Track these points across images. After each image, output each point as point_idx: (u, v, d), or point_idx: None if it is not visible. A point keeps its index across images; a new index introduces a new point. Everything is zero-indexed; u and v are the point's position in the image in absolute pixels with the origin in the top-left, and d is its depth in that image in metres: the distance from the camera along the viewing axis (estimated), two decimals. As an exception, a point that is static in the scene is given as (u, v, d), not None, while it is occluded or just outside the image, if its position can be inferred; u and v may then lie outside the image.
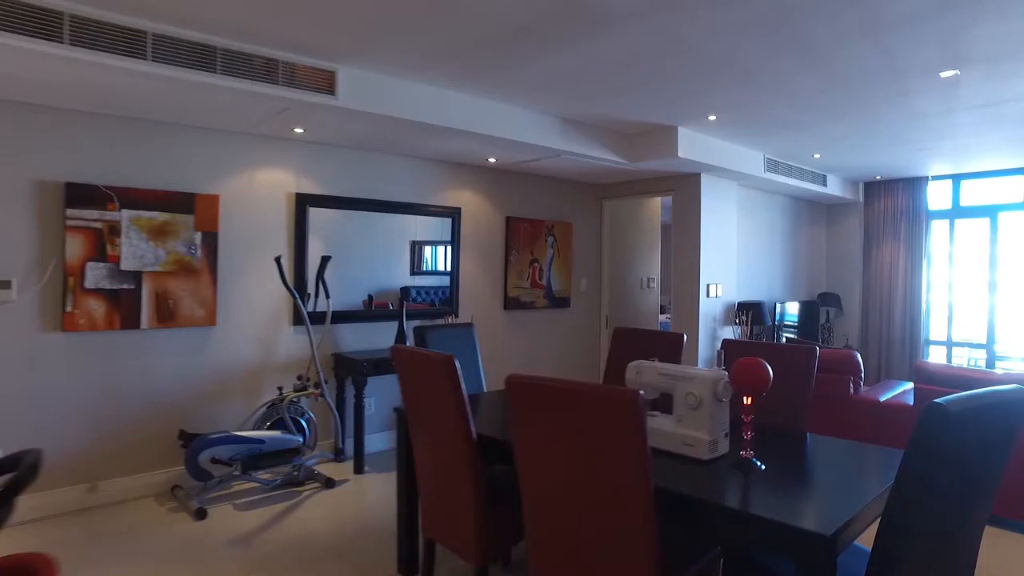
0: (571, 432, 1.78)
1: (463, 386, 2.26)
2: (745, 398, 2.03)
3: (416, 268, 5.11)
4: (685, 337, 3.12)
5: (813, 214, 7.88)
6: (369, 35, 3.11)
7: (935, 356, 7.42)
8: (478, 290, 5.53)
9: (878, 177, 7.29)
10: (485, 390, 3.66)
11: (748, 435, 2.03)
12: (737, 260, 6.45)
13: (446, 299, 5.28)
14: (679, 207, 5.84)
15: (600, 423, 1.71)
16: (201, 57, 3.10)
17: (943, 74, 3.54)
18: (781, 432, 2.55)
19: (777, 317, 6.49)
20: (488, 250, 5.60)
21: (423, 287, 5.16)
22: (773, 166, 6.00)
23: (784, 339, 6.46)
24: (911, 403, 3.80)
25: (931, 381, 3.72)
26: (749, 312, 5.92)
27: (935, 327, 7.36)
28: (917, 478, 1.44)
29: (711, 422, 2.10)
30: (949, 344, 7.19)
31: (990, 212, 6.84)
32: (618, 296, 6.70)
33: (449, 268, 5.31)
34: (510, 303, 5.70)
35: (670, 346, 3.14)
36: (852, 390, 4.06)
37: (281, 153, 4.44)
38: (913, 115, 4.47)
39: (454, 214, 5.32)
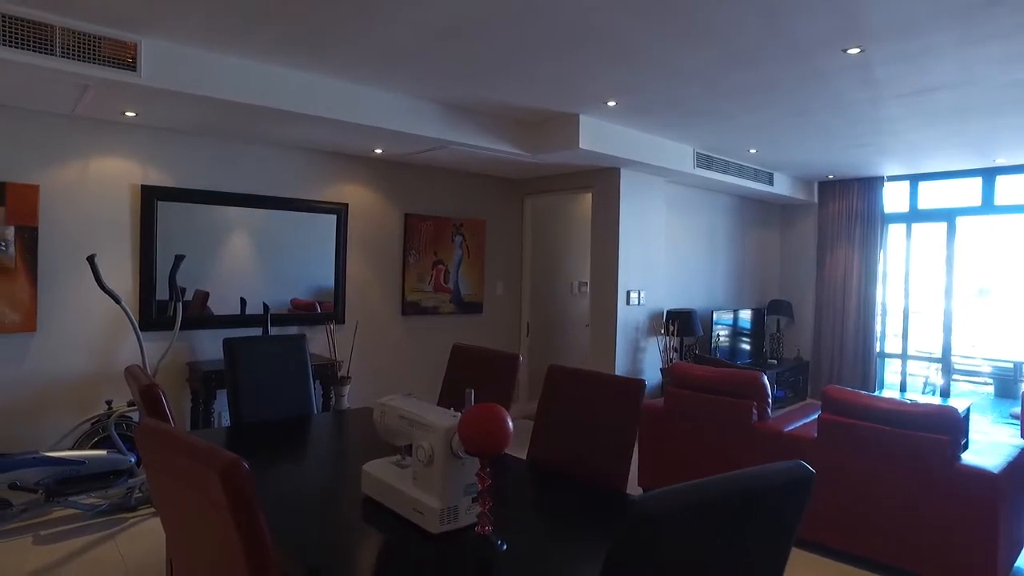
0: (181, 495, 1.27)
1: (260, 518, 1.67)
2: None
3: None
4: (521, 359, 2.60)
5: (764, 215, 7.35)
6: (139, -10, 2.59)
7: (890, 371, 6.90)
8: (369, 294, 5.00)
9: (831, 176, 6.77)
10: (316, 411, 3.14)
11: (485, 505, 1.51)
12: (667, 264, 5.92)
13: (329, 304, 4.76)
14: (597, 205, 5.31)
15: (195, 490, 1.19)
16: (-66, 15, 2.58)
17: (848, 50, 3.02)
18: (590, 489, 2.03)
19: (714, 327, 5.97)
20: (382, 250, 5.07)
21: (304, 289, 4.64)
22: (705, 162, 5.47)
23: (716, 354, 5.94)
24: (815, 434, 3.28)
25: (837, 410, 3.20)
26: (676, 322, 5.40)
27: (890, 338, 6.84)
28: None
29: (444, 484, 1.58)
30: (904, 357, 6.67)
31: (947, 216, 6.32)
32: (542, 301, 6.18)
33: (334, 270, 4.78)
34: (409, 308, 5.18)
35: (501, 371, 2.62)
36: (755, 417, 3.53)
37: (121, 140, 3.91)
38: (838, 103, 3.95)
39: (339, 210, 4.79)
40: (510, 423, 1.49)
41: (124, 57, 3.00)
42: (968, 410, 4.82)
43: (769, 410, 3.61)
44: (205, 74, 3.24)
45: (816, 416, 3.78)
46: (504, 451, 1.49)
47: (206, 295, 4.31)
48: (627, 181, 5.18)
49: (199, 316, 4.20)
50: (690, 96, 3.85)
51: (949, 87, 3.54)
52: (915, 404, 2.97)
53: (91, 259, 3.45)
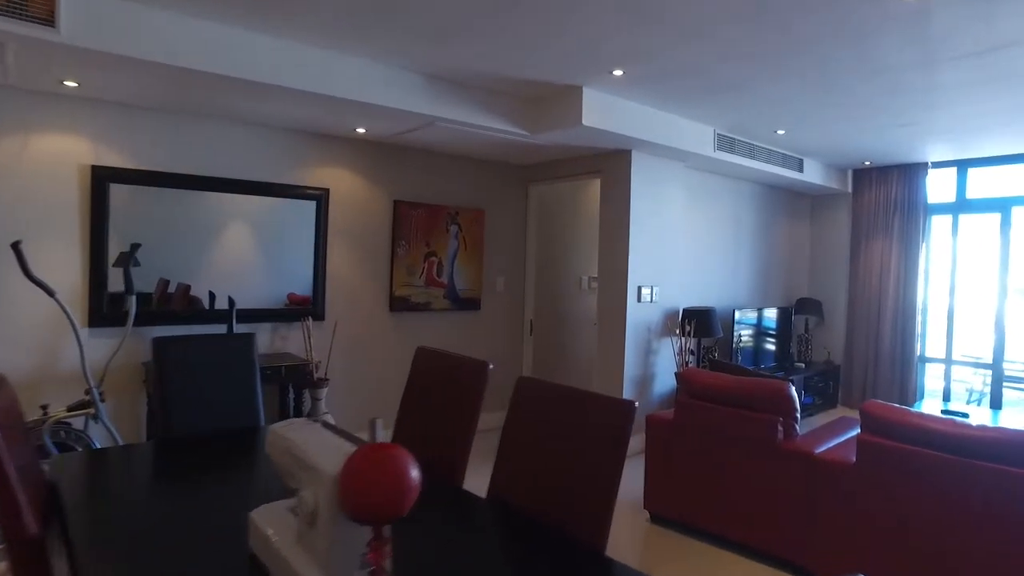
0: None
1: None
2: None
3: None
4: (491, 367, 2.12)
5: (793, 206, 6.75)
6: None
7: (931, 377, 6.27)
8: (353, 289, 4.56)
9: (867, 163, 6.15)
10: (264, 424, 2.69)
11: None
12: (685, 258, 5.38)
13: (307, 298, 4.33)
14: (606, 191, 4.79)
15: None
16: None
17: (900, -6, 2.47)
18: (559, 543, 1.54)
19: (736, 327, 5.41)
20: (368, 241, 4.62)
21: (281, 284, 4.21)
22: (727, 144, 4.92)
23: (738, 356, 5.39)
24: (854, 459, 2.74)
25: (879, 430, 2.66)
26: (693, 321, 4.86)
27: (932, 341, 6.20)
28: None
29: (329, 554, 1.11)
30: (948, 362, 6.03)
31: (1002, 206, 5.67)
32: (548, 298, 5.69)
33: (312, 261, 4.35)
34: (397, 304, 4.72)
35: (468, 383, 2.13)
36: (781, 435, 3.00)
37: (65, 114, 3.50)
38: (879, 71, 3.39)
39: (320, 196, 4.35)
40: (414, 475, 1.00)
41: (39, 10, 2.58)
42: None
43: (797, 427, 3.07)
44: (142, 33, 2.80)
45: (853, 434, 3.24)
46: (403, 514, 1.01)
47: (187, 288, 3.92)
48: (640, 165, 4.65)
49: (165, 311, 3.79)
50: (708, 64, 3.32)
51: (1021, 43, 2.96)
52: (984, 428, 2.41)
53: (15, 245, 3.04)
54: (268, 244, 4.15)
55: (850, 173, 6.53)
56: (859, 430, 2.82)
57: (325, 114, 3.78)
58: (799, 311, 6.51)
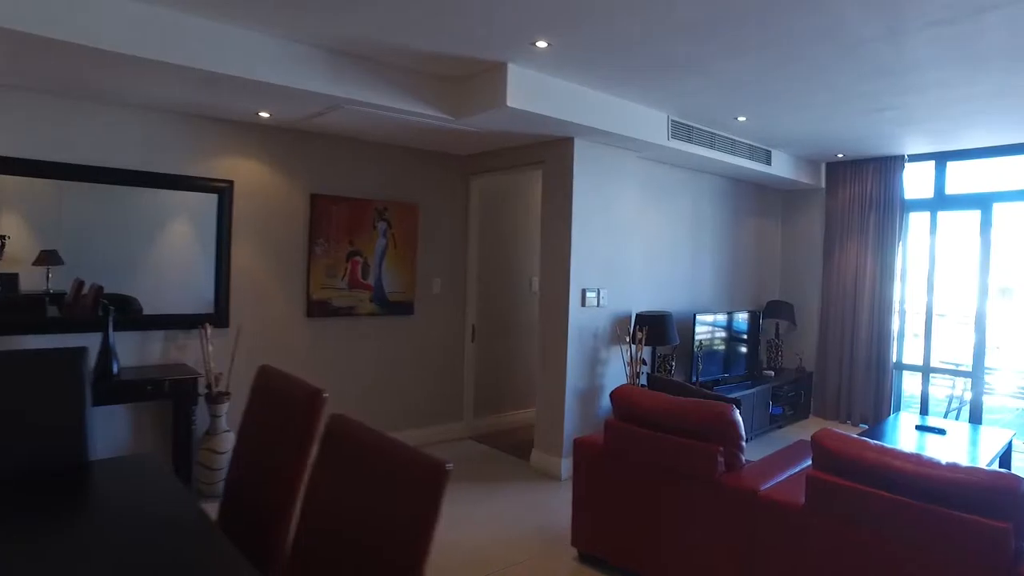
0: None
1: None
2: None
3: (160, 261, 3.68)
4: (326, 396, 1.65)
5: (763, 202, 6.32)
6: None
7: (910, 383, 5.87)
8: (263, 292, 4.07)
9: (840, 156, 5.73)
10: (91, 458, 2.21)
11: None
12: (640, 258, 4.93)
13: (208, 302, 3.83)
14: (548, 184, 4.33)
15: None
16: None
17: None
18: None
19: (696, 334, 4.97)
20: (280, 239, 4.13)
21: (170, 286, 3.72)
22: (684, 132, 4.47)
23: (698, 365, 4.93)
24: (803, 499, 2.29)
25: (832, 467, 2.21)
26: (646, 328, 4.41)
27: (910, 347, 5.80)
28: None
29: None
30: (926, 370, 5.62)
31: (982, 202, 5.27)
32: (493, 301, 5.22)
33: (215, 262, 3.86)
34: (316, 309, 4.24)
35: (298, 413, 1.67)
36: (722, 467, 2.55)
37: None
38: (847, 46, 2.94)
39: (223, 189, 3.86)
40: None
41: None
42: None
43: (742, 456, 2.63)
44: (-58, -16, 2.30)
45: (806, 464, 2.79)
46: None
47: (99, 290, 3.45)
48: (584, 155, 4.19)
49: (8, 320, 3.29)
50: (647, 36, 2.86)
51: (996, 7, 2.52)
52: (955, 468, 1.97)
53: None
54: (163, 242, 3.66)
55: (823, 167, 6.11)
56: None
57: (216, 96, 3.29)
58: (769, 315, 6.08)
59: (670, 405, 2.72)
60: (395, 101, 3.46)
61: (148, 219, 3.62)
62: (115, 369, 3.35)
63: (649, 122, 4.22)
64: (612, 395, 2.93)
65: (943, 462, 2.01)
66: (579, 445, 3.02)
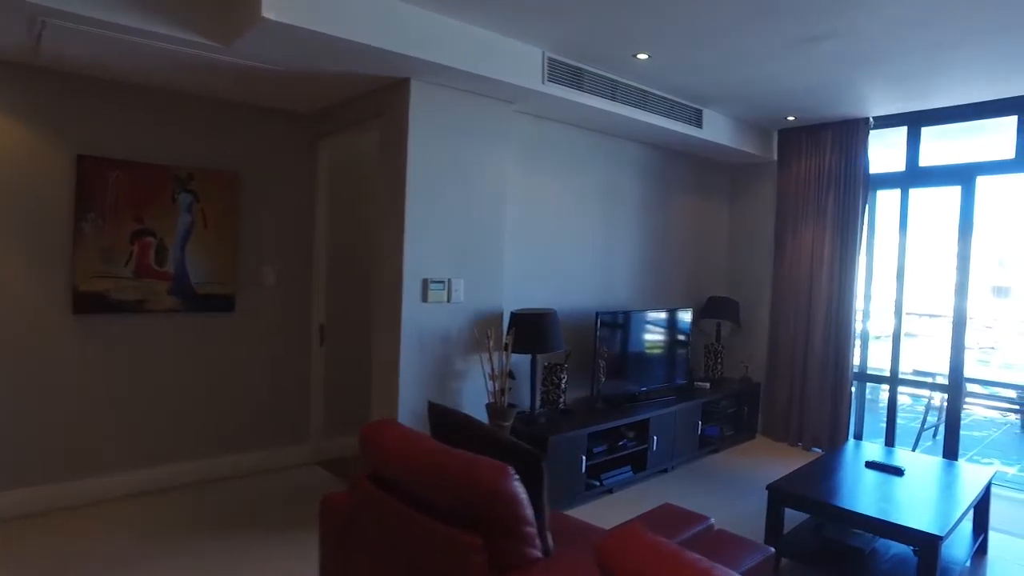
0: None
1: None
2: None
3: None
4: None
5: (705, 179, 5.30)
6: None
7: (879, 391, 4.86)
8: (7, 283, 3.08)
9: (791, 119, 4.71)
10: None
11: None
12: (521, 243, 3.92)
13: (-96, 298, 2.85)
14: (383, 143, 3.33)
15: None
16: None
17: None
18: None
19: (598, 339, 3.96)
20: (29, 214, 3.14)
21: None
22: (569, 75, 3.46)
23: (601, 377, 3.93)
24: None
25: None
26: (517, 330, 3.41)
27: (875, 352, 4.80)
28: None
29: None
30: (894, 381, 4.61)
31: (963, 175, 4.25)
32: (346, 296, 4.23)
33: (-83, 241, 2.87)
34: (87, 303, 3.25)
35: None
36: (484, 569, 1.55)
37: None
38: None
39: (-74, 141, 2.87)
40: None
41: None
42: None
43: (533, 549, 1.63)
44: None
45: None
46: None
47: None
48: (427, 102, 3.18)
49: None
50: None
51: None
52: None
53: None
54: None
55: (775, 136, 5.09)
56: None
57: None
58: (708, 314, 5.08)
59: (427, 460, 1.72)
60: (135, 20, 2.45)
61: None
62: None
63: (517, 58, 3.21)
64: (361, 435, 1.94)
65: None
66: (325, 505, 2.04)
